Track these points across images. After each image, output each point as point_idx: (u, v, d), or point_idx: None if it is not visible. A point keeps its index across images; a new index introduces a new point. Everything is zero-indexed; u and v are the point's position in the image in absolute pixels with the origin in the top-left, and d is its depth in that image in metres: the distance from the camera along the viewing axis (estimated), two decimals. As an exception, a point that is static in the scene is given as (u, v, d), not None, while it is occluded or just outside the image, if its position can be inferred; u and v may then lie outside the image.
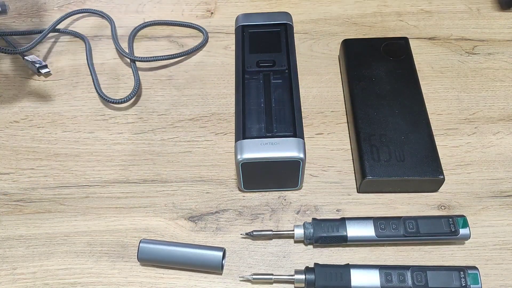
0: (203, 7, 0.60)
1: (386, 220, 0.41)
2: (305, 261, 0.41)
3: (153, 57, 0.53)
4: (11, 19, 0.59)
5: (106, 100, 0.50)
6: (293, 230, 0.41)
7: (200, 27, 0.57)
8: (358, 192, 0.44)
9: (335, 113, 0.50)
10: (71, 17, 0.59)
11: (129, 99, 0.50)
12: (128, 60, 0.54)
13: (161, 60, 0.54)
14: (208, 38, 0.56)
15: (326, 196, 0.44)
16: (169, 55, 0.54)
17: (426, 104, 0.50)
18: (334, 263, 0.39)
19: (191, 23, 0.57)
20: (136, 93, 0.51)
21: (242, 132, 0.41)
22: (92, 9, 0.59)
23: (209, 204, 0.44)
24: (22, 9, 0.60)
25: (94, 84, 0.52)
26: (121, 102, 0.50)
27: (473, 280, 0.37)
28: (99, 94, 0.51)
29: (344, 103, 0.50)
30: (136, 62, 0.54)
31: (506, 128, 0.48)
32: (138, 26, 0.57)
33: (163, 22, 0.58)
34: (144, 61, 0.53)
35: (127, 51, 0.55)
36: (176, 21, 0.58)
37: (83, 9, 0.59)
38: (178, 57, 0.54)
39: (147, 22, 0.58)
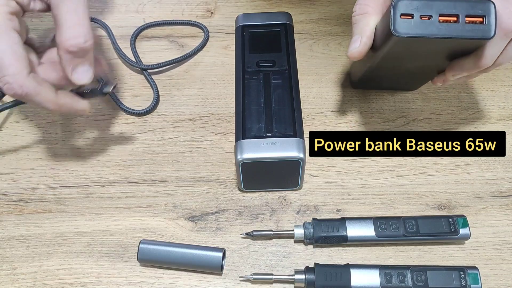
0: (203, 7, 0.60)
1: (386, 220, 0.41)
2: (305, 261, 0.41)
3: (163, 63, 0.53)
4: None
5: (129, 113, 0.50)
6: (293, 230, 0.41)
7: (201, 24, 0.57)
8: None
9: (335, 113, 0.50)
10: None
11: (151, 110, 0.50)
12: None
13: (171, 64, 0.53)
14: (209, 35, 0.56)
15: (326, 196, 0.44)
16: (179, 58, 0.53)
17: (426, 104, 0.50)
18: (334, 263, 0.39)
19: (192, 21, 0.57)
20: (157, 102, 0.51)
21: (242, 132, 0.41)
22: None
23: (209, 204, 0.44)
24: (22, 9, 0.60)
25: (114, 100, 0.51)
26: (143, 114, 0.50)
27: (473, 280, 0.37)
28: (121, 107, 0.50)
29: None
30: (149, 70, 0.53)
31: (506, 128, 0.48)
32: (138, 28, 0.57)
33: (163, 23, 0.58)
34: (155, 68, 0.53)
35: (131, 53, 0.55)
36: (176, 20, 0.58)
37: None
38: (185, 58, 0.54)
39: (148, 23, 0.57)
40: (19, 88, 0.35)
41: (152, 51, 0.56)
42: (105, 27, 0.57)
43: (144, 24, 0.57)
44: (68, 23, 0.36)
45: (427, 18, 0.36)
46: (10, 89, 0.35)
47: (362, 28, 0.39)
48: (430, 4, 0.35)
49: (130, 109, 0.50)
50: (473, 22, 0.35)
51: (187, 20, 0.58)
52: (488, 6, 0.35)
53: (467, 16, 0.35)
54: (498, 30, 0.35)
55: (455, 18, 0.35)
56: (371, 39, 0.39)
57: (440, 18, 0.36)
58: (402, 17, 0.35)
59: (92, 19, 0.57)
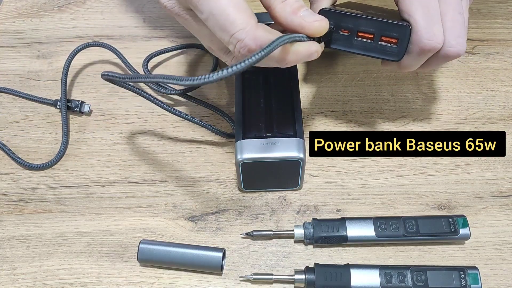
0: (203, 7, 0.60)
1: (386, 220, 0.41)
2: (305, 261, 0.41)
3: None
4: (11, 19, 0.59)
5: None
6: (293, 230, 0.41)
7: None
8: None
9: (335, 113, 0.50)
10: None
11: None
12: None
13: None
14: None
15: (326, 196, 0.44)
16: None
17: (426, 104, 0.50)
18: (334, 263, 0.39)
19: None
20: None
21: (242, 132, 0.41)
22: (99, 43, 0.53)
23: (209, 204, 0.44)
24: (22, 9, 0.60)
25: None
26: None
27: (473, 280, 0.37)
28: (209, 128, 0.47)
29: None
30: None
31: (506, 128, 0.48)
32: (150, 54, 0.54)
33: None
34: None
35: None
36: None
37: (91, 42, 0.52)
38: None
39: (161, 50, 0.54)
40: (252, 42, 0.30)
41: (153, 51, 0.55)
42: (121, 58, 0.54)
43: (155, 52, 0.54)
44: None
45: (347, 32, 0.37)
46: (244, 46, 0.30)
47: (314, 11, 0.38)
48: (352, 20, 0.36)
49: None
50: (387, 42, 0.37)
51: None
52: (404, 30, 0.36)
53: (382, 36, 0.37)
54: (416, 47, 0.37)
55: (371, 36, 0.37)
56: None
57: (359, 33, 0.37)
58: None
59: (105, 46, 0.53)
